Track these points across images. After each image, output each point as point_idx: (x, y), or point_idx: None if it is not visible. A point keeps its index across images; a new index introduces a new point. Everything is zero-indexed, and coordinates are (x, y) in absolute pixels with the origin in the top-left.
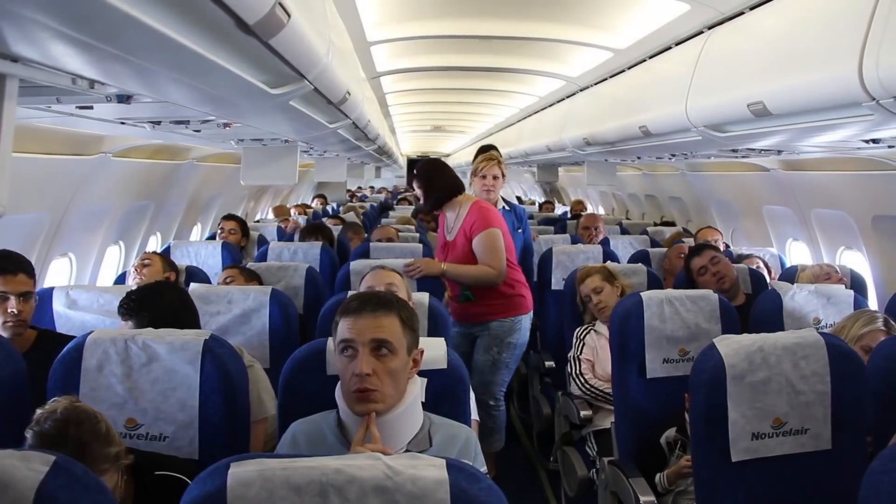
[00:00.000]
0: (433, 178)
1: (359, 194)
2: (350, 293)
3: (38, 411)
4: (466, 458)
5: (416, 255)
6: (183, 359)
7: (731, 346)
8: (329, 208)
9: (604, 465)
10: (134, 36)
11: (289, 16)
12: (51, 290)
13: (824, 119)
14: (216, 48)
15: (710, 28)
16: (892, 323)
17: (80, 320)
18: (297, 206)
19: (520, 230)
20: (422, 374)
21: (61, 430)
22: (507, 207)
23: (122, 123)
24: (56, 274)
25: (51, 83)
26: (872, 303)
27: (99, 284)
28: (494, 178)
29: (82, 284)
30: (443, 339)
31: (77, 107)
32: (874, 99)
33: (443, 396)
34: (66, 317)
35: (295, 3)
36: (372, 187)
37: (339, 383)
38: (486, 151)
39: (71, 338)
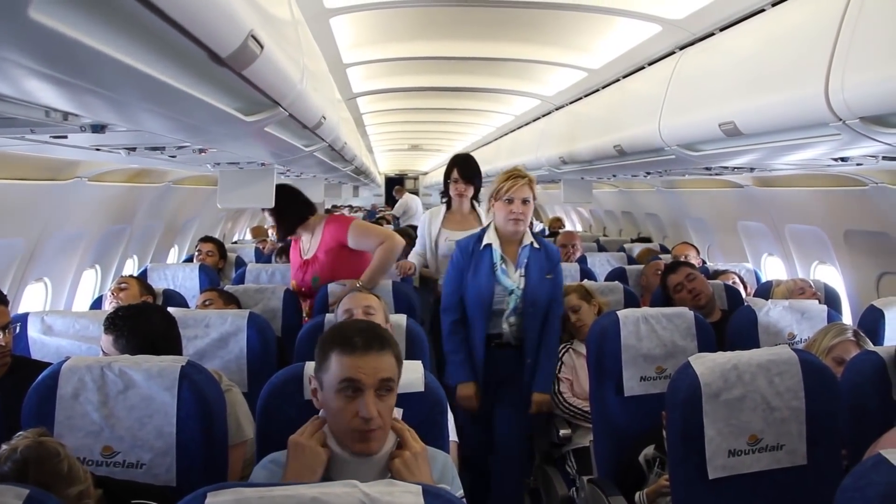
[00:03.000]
0: (283, 206)
1: (337, 213)
2: (327, 316)
3: (3, 447)
4: (444, 483)
5: (393, 275)
6: (160, 385)
7: (706, 365)
8: None
9: (583, 484)
10: (107, 71)
11: (262, 47)
12: (26, 315)
13: (794, 139)
14: (189, 79)
15: (681, 48)
16: (862, 335)
17: (55, 346)
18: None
19: (550, 276)
20: (400, 397)
21: (22, 470)
22: (536, 245)
23: (97, 150)
24: (31, 299)
25: (24, 116)
26: (846, 316)
27: (75, 309)
28: (525, 202)
29: (58, 310)
30: (419, 361)
31: (51, 136)
32: (841, 119)
33: (421, 420)
34: (41, 343)
35: (268, 33)
36: (350, 206)
37: (320, 413)
38: (467, 167)
39: (46, 364)
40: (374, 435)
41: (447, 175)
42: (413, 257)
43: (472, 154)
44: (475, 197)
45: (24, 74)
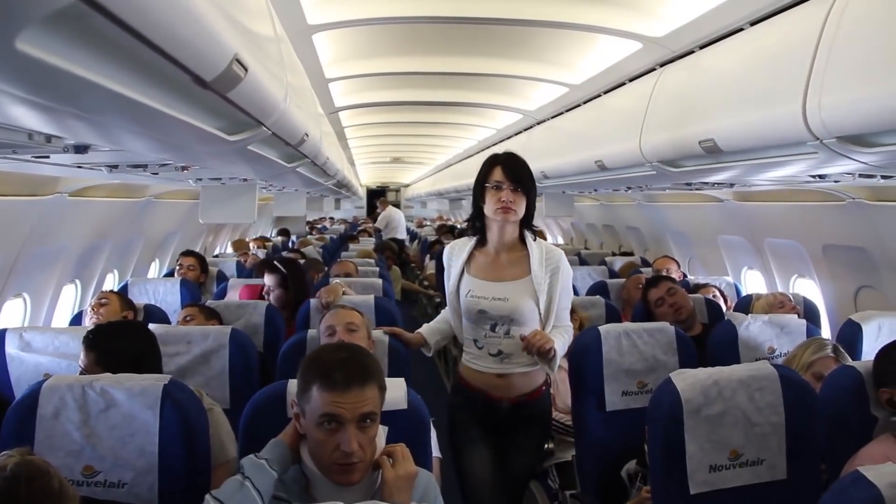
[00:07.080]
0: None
1: (318, 225)
2: (310, 332)
3: None
4: (426, 502)
5: (375, 289)
6: (142, 404)
7: (687, 381)
8: (290, 241)
9: (566, 498)
10: (92, 97)
11: (246, 70)
12: (4, 331)
13: (773, 156)
14: (173, 102)
15: (661, 65)
16: (842, 350)
17: (34, 363)
18: (255, 239)
19: None
20: (384, 415)
21: (12, 489)
22: None
23: (79, 167)
24: (9, 315)
25: (6, 139)
26: (825, 330)
27: (54, 325)
28: None
29: (36, 326)
30: (402, 379)
31: (33, 156)
32: (818, 138)
33: (404, 438)
34: (19, 359)
35: (252, 54)
36: (332, 218)
37: (303, 440)
38: None
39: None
40: (356, 467)
41: (481, 180)
42: (439, 323)
43: (453, 165)
44: (528, 222)
45: (9, 101)
